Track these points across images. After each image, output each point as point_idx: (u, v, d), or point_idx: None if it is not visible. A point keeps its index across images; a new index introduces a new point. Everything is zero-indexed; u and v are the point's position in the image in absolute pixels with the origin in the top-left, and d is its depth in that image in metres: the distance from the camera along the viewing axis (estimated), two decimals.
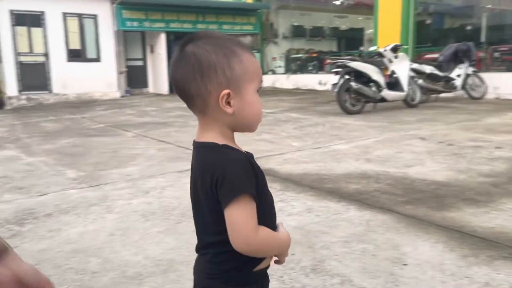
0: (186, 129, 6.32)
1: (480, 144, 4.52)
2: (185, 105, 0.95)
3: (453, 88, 8.83)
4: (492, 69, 10.03)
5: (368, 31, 15.87)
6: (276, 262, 1.01)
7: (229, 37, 0.95)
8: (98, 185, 3.53)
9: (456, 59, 8.88)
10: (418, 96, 8.15)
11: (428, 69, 8.65)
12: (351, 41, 16.90)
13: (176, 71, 0.92)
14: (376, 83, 7.46)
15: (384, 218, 2.58)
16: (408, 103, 8.04)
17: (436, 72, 8.69)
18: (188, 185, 0.99)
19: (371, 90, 7.39)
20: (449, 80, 8.79)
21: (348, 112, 7.31)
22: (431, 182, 3.27)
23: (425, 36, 13.10)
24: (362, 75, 7.39)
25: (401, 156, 4.17)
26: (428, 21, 14.45)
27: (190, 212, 1.02)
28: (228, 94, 0.89)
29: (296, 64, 15.98)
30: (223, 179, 0.86)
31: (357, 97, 7.38)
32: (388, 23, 11.20)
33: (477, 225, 2.41)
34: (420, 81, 8.53)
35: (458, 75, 8.80)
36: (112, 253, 2.24)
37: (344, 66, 7.30)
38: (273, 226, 0.97)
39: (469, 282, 1.84)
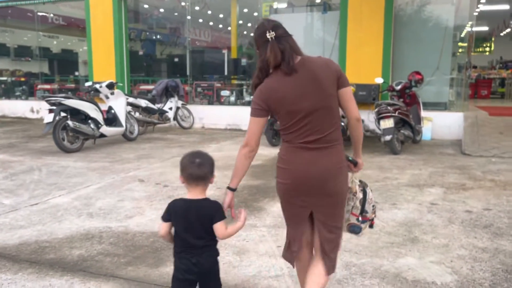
0: None
1: None
2: None
3: (166, 119, 9.77)
4: (197, 102, 11.58)
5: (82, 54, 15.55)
6: None
7: None
8: None
9: (167, 93, 9.88)
10: (136, 129, 8.65)
11: (143, 102, 9.28)
12: (65, 63, 16.20)
13: None
14: (94, 120, 7.51)
15: (108, 287, 2.76)
16: (128, 137, 8.43)
17: (151, 105, 9.42)
18: None
19: (89, 128, 7.38)
20: (162, 112, 9.68)
21: (66, 151, 7.09)
22: (150, 235, 3.65)
23: (138, 65, 13.89)
24: (79, 112, 7.31)
25: (123, 205, 4.42)
26: (141, 50, 15.34)
27: None
28: None
29: (0, 88, 14.14)
30: None
31: (75, 135, 7.24)
32: (103, 49, 11.26)
33: None
34: (137, 115, 9.09)
35: (170, 108, 9.81)
36: None
37: (59, 104, 7.04)
38: None
39: None
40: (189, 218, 2.01)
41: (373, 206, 2.30)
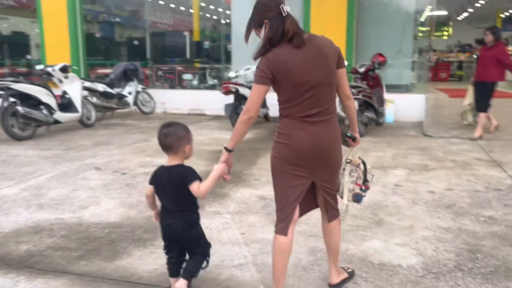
0: None
1: (150, 170, 4.97)
2: None
3: (126, 104, 9.39)
4: (158, 86, 11.21)
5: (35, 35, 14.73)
6: None
7: None
8: None
9: (126, 77, 9.47)
10: (93, 115, 8.25)
11: (100, 87, 8.86)
12: (16, 46, 15.32)
13: None
14: (47, 106, 7.08)
15: (57, 285, 2.54)
16: (84, 123, 8.04)
17: (109, 90, 9.01)
18: None
19: (42, 114, 6.96)
20: (121, 97, 9.29)
21: (17, 139, 6.66)
22: (106, 225, 3.44)
23: (96, 48, 13.28)
24: (30, 97, 6.87)
25: (77, 195, 4.16)
26: (98, 32, 14.70)
27: None
28: None
29: None
30: None
31: (26, 122, 6.81)
32: (55, 31, 10.61)
33: (144, 269, 2.72)
34: (95, 99, 8.67)
35: (130, 92, 9.43)
36: None
37: (7, 89, 6.58)
38: None
39: None
40: (164, 183, 2.25)
41: (372, 175, 2.47)
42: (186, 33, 13.02)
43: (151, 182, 2.32)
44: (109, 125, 8.48)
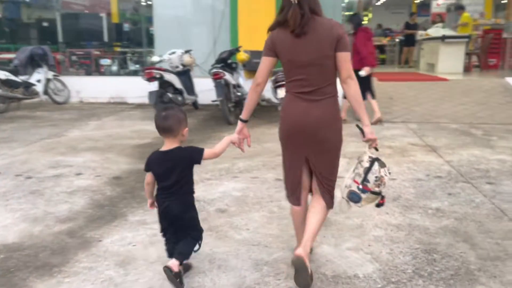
0: None
1: (61, 172, 4.33)
2: None
3: (34, 94, 8.34)
4: (73, 72, 10.13)
5: None
6: None
7: None
8: None
9: (33, 62, 8.38)
10: None
11: (2, 74, 7.72)
12: None
13: None
14: None
15: None
16: None
17: (13, 78, 7.90)
18: None
19: None
20: (29, 85, 8.21)
21: None
22: (2, 249, 2.76)
23: None
24: None
25: None
26: (1, 13, 13.07)
27: None
28: None
29: None
30: None
31: None
32: None
33: None
34: None
35: (38, 80, 8.37)
36: None
37: None
38: None
39: None
40: (164, 166, 2.26)
41: (376, 177, 2.28)
42: (103, 15, 11.91)
43: (148, 169, 2.32)
44: (13, 118, 7.42)
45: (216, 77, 6.64)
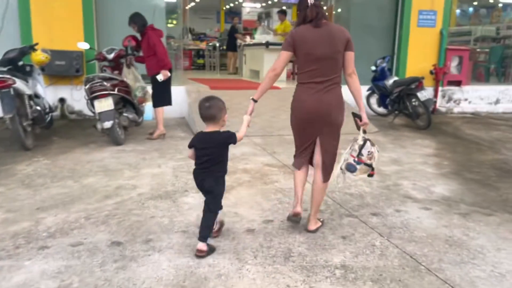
0: None
1: None
2: None
3: None
4: None
5: None
6: None
7: None
8: None
9: None
10: None
11: None
12: None
13: None
14: None
15: None
16: None
17: None
18: None
19: None
20: None
21: None
22: None
23: None
24: None
25: None
26: None
27: None
28: None
29: None
30: None
31: None
32: None
33: None
34: None
35: None
36: None
37: None
38: None
39: None
40: (204, 144, 2.63)
41: (368, 151, 2.92)
42: None
43: (191, 145, 2.66)
44: None
45: (1, 86, 4.67)
